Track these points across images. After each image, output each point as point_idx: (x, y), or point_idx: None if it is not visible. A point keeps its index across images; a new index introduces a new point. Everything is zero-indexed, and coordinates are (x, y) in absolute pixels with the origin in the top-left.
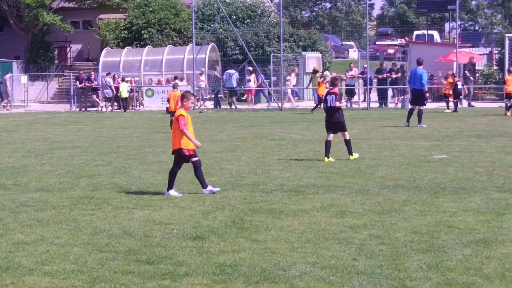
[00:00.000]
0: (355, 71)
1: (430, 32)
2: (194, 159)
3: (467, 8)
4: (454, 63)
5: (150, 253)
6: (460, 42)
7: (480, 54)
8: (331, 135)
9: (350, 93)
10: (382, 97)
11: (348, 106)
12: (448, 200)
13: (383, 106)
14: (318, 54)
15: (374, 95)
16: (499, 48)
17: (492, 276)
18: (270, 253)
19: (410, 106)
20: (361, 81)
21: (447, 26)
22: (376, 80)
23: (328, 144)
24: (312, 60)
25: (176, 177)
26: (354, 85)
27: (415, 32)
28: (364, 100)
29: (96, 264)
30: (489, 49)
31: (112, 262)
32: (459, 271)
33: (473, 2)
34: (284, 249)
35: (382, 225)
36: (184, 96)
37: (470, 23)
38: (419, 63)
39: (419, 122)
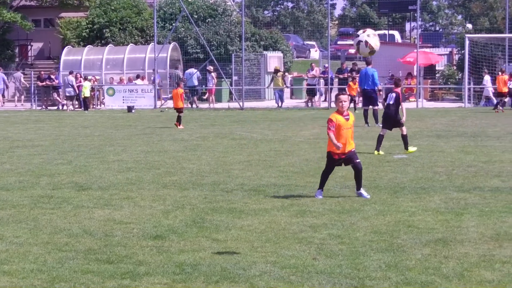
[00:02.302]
0: (316, 71)
1: (391, 32)
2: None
3: (428, 9)
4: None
5: (110, 253)
6: (421, 42)
7: (440, 55)
8: (386, 130)
9: (311, 92)
10: None
11: (309, 105)
12: (408, 200)
13: None
14: (280, 54)
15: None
16: (459, 49)
17: (450, 276)
18: (230, 253)
19: (363, 107)
20: (322, 80)
21: (408, 26)
22: (337, 79)
23: (380, 138)
24: (274, 59)
25: (326, 179)
26: (315, 85)
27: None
28: (325, 100)
29: (55, 263)
30: (449, 49)
31: (72, 262)
32: (418, 270)
33: (434, 3)
34: (244, 248)
35: (342, 224)
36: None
37: (430, 23)
38: (368, 63)
39: (376, 122)
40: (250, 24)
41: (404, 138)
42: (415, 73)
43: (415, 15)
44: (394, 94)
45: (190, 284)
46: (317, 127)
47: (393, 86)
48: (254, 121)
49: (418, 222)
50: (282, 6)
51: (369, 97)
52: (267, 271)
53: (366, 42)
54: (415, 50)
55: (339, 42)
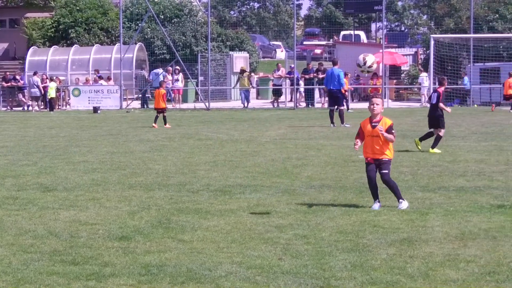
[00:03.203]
0: (282, 71)
1: (357, 32)
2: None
3: (393, 9)
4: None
5: (75, 254)
6: (386, 43)
7: (406, 55)
8: (442, 130)
9: (277, 93)
10: (309, 97)
11: (275, 106)
12: (373, 200)
13: (309, 106)
14: (246, 54)
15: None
16: (424, 49)
17: (415, 275)
18: (196, 253)
19: (329, 108)
20: (288, 81)
21: (373, 26)
22: (303, 80)
23: (430, 135)
24: (240, 60)
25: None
26: (281, 85)
27: (342, 32)
28: (291, 100)
29: (20, 265)
30: (414, 49)
31: (37, 263)
32: (383, 270)
33: (399, 3)
34: (210, 249)
35: (308, 224)
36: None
37: (396, 23)
38: (334, 63)
39: (342, 122)
40: (216, 24)
41: (437, 138)
42: (380, 74)
43: (381, 15)
44: (436, 94)
45: (155, 285)
46: (283, 128)
47: (437, 85)
48: (220, 121)
49: (384, 222)
50: (248, 6)
51: (335, 97)
52: (233, 272)
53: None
54: (381, 51)
55: (305, 43)
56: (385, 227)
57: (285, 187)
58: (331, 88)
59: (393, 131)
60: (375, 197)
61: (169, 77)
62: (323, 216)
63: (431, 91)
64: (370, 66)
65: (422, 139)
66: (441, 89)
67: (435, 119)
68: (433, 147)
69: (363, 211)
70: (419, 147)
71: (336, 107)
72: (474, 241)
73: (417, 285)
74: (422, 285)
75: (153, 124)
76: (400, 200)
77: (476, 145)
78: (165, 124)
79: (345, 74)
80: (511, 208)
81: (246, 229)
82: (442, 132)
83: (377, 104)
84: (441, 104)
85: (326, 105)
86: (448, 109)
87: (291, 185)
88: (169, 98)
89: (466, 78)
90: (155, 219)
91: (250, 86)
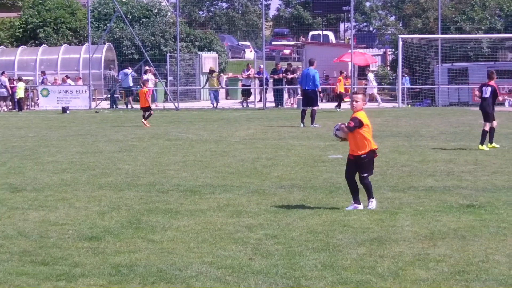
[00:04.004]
0: (251, 71)
1: (325, 32)
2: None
3: (362, 10)
4: (349, 64)
5: (45, 254)
6: (355, 43)
7: (374, 55)
8: (487, 124)
9: (246, 93)
10: (278, 97)
11: (244, 106)
12: (343, 200)
13: (279, 106)
14: (215, 54)
15: (270, 95)
16: (393, 49)
17: (385, 275)
18: (167, 253)
19: (302, 107)
20: (257, 81)
21: (342, 27)
22: (272, 80)
23: (484, 133)
24: (209, 60)
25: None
26: (250, 85)
27: (311, 33)
28: (260, 100)
29: None
30: (382, 50)
31: (7, 264)
32: (353, 270)
33: (368, 4)
34: (180, 249)
35: (278, 224)
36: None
37: (364, 24)
38: (311, 63)
39: (312, 122)
40: (185, 24)
41: (491, 131)
42: (349, 74)
43: (349, 16)
44: (489, 88)
45: (126, 285)
46: (252, 128)
47: (487, 80)
48: (189, 121)
49: (354, 222)
50: (217, 7)
51: (309, 98)
52: (203, 272)
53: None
54: (350, 51)
55: (273, 43)
56: (355, 227)
57: (255, 187)
58: (306, 88)
59: (350, 120)
60: (356, 197)
61: (152, 77)
62: (293, 216)
63: (400, 92)
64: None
65: (490, 141)
66: (493, 82)
67: (487, 112)
68: (490, 141)
69: (333, 211)
70: (493, 147)
71: (309, 107)
72: (443, 241)
73: (387, 285)
74: (392, 285)
75: (144, 122)
76: (371, 200)
77: (445, 145)
78: (146, 119)
79: None
80: (480, 208)
81: (217, 229)
82: (494, 124)
83: (356, 101)
84: (499, 98)
85: (295, 105)
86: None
87: (261, 185)
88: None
89: (406, 78)
90: (125, 219)
91: (219, 86)
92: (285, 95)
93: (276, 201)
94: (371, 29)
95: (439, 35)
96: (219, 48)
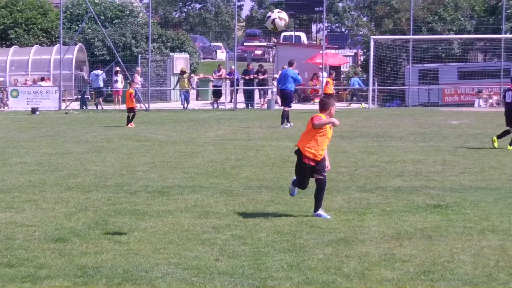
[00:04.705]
0: (222, 72)
1: (297, 33)
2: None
3: (334, 10)
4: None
5: (10, 256)
6: (327, 44)
7: (346, 56)
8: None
9: (217, 94)
10: (249, 98)
11: (215, 107)
12: (310, 200)
13: (249, 107)
14: (186, 55)
15: (241, 96)
16: (365, 50)
17: (351, 275)
18: (133, 255)
19: (280, 107)
20: (228, 82)
21: (314, 27)
22: (243, 81)
23: (507, 133)
24: (180, 61)
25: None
26: (221, 86)
27: (283, 34)
28: (231, 101)
29: None
30: (354, 50)
31: None
32: (319, 270)
33: (340, 4)
34: (147, 250)
35: (245, 225)
36: (327, 103)
37: (336, 25)
38: (290, 64)
39: (282, 123)
40: (157, 25)
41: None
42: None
43: (321, 16)
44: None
45: (91, 286)
46: (222, 129)
47: (510, 84)
48: (159, 122)
49: (321, 222)
50: (190, 7)
51: (285, 98)
52: (170, 273)
53: (280, 18)
54: (322, 52)
55: (245, 43)
56: (322, 227)
57: (223, 188)
58: (283, 88)
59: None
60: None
61: (139, 77)
62: (261, 217)
63: (371, 92)
64: (285, 24)
65: (499, 136)
66: None
67: (510, 117)
68: (511, 144)
69: (300, 212)
70: (496, 144)
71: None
72: (410, 241)
73: (353, 285)
74: (358, 285)
75: (130, 124)
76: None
77: (414, 146)
78: (129, 123)
79: None
80: (447, 208)
81: (184, 230)
82: None
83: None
84: None
85: (265, 106)
86: None
87: (229, 186)
88: (108, 99)
89: (354, 79)
90: (92, 221)
91: (190, 87)
92: (256, 96)
93: (244, 202)
94: (343, 29)
95: (411, 36)
96: (190, 49)
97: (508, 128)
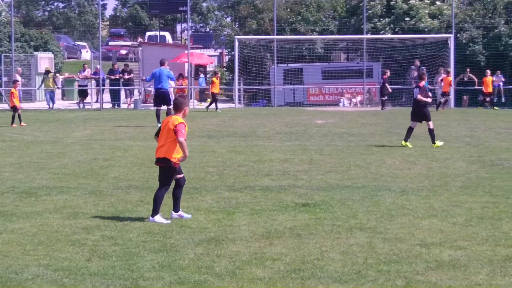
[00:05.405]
0: (87, 72)
1: (162, 33)
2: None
3: (199, 10)
4: (186, 64)
5: None
6: (192, 44)
7: (211, 56)
8: (415, 123)
9: (83, 94)
10: (115, 97)
11: (81, 107)
12: (181, 200)
13: (115, 106)
14: (50, 55)
15: (107, 96)
16: (229, 50)
17: (223, 274)
18: (2, 257)
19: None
20: (93, 81)
21: (179, 27)
22: (108, 80)
23: (410, 130)
24: (44, 60)
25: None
26: (86, 86)
27: (148, 33)
28: (97, 101)
29: None
30: (219, 50)
31: None
32: (191, 269)
33: (204, 4)
34: (16, 252)
35: (116, 226)
36: (183, 103)
37: (201, 25)
38: (162, 63)
39: (158, 121)
40: (20, 24)
41: (431, 132)
42: (186, 74)
43: (186, 16)
44: (417, 89)
45: None
46: (89, 128)
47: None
48: (25, 122)
49: (191, 222)
50: (53, 6)
51: (162, 97)
52: (40, 274)
53: None
54: (186, 51)
55: (110, 43)
56: (192, 227)
57: (92, 188)
58: (158, 87)
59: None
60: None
61: (19, 77)
62: (131, 217)
63: (237, 92)
64: None
65: (406, 138)
66: (421, 83)
67: (420, 113)
68: (433, 141)
69: (170, 211)
70: (409, 145)
71: (163, 106)
72: (279, 240)
73: (225, 284)
74: (229, 284)
75: (20, 124)
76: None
77: (281, 145)
78: (19, 123)
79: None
80: (315, 207)
81: (53, 231)
82: (431, 125)
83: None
84: (418, 96)
85: (132, 105)
86: (429, 99)
87: (98, 186)
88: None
89: (201, 78)
90: None
91: (55, 87)
92: (122, 96)
93: (113, 202)
94: (207, 30)
95: (275, 36)
96: (55, 48)
97: (410, 125)
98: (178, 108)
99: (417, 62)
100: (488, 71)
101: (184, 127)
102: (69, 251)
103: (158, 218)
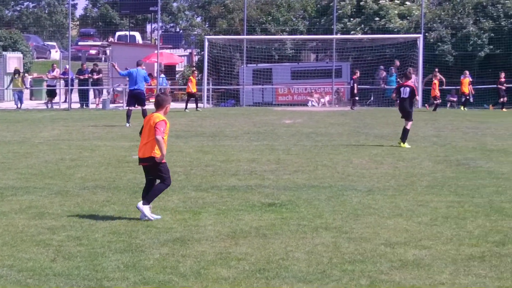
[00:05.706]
0: (56, 72)
1: (132, 33)
2: None
3: (169, 10)
4: (155, 64)
5: None
6: (162, 44)
7: (181, 56)
8: (409, 123)
9: (51, 93)
10: (83, 97)
11: (49, 106)
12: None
13: (84, 106)
14: (19, 54)
15: (75, 96)
16: (199, 50)
17: (188, 274)
18: None
19: (128, 107)
20: (62, 81)
21: (149, 27)
22: (77, 80)
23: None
24: (13, 60)
25: None
26: (55, 86)
27: (117, 33)
28: (65, 101)
29: None
30: (189, 50)
31: None
32: (156, 270)
33: (174, 4)
34: None
35: (81, 226)
36: (165, 100)
37: (171, 24)
38: (138, 64)
39: (127, 121)
40: None
41: (405, 131)
42: (155, 74)
43: (156, 16)
44: (408, 88)
45: None
46: (57, 128)
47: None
48: None
49: (157, 222)
50: (22, 6)
51: (137, 98)
52: (4, 275)
53: None
54: (156, 51)
55: (80, 43)
56: (158, 227)
57: (58, 189)
58: (135, 88)
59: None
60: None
61: None
62: (97, 217)
63: (206, 92)
64: None
65: (403, 138)
66: (409, 82)
67: (404, 111)
68: (403, 141)
69: (136, 212)
70: (405, 145)
71: (136, 106)
72: (245, 239)
73: (189, 284)
74: (194, 284)
75: None
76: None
77: (248, 145)
78: None
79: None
80: (281, 206)
81: (18, 232)
82: (409, 125)
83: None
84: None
85: (100, 105)
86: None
87: (65, 186)
88: None
89: (162, 77)
90: None
91: (24, 86)
92: (91, 96)
93: (79, 202)
94: (177, 30)
95: (244, 36)
96: (24, 48)
97: (404, 125)
98: (160, 105)
99: (397, 63)
100: (467, 72)
101: (165, 124)
102: (34, 251)
103: (146, 210)
